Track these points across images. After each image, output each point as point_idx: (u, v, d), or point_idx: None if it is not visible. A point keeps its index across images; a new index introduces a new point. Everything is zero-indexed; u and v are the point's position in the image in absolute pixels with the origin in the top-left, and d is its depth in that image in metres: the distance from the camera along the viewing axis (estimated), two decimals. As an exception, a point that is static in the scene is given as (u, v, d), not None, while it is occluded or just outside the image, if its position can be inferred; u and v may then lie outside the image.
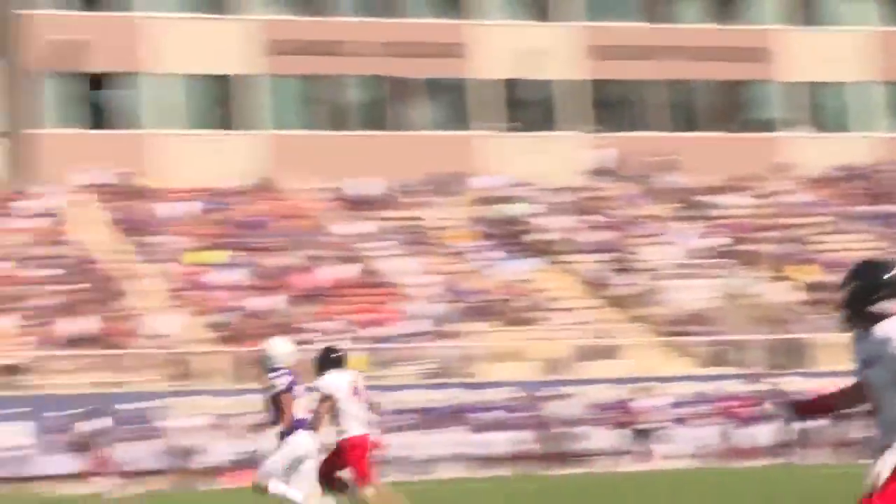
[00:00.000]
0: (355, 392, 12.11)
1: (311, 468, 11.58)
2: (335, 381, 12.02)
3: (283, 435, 11.41)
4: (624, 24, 44.58)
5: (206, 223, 39.32)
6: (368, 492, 12.02)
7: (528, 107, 44.86)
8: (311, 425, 11.61)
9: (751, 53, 44.82)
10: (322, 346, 13.80)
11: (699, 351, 36.48)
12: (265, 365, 11.73)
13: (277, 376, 11.42)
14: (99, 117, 42.25)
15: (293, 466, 11.39)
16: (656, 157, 43.42)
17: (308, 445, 11.45)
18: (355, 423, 12.00)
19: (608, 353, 35.20)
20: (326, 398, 11.90)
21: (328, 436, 12.28)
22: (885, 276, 4.73)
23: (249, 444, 28.74)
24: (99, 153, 39.65)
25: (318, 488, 11.88)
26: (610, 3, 45.67)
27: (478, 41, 43.62)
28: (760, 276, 39.23)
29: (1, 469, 30.29)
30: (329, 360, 12.27)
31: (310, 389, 11.86)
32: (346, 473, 12.11)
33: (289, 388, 11.29)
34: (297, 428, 11.34)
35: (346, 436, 11.93)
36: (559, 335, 35.98)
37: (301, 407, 11.41)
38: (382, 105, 43.81)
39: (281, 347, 11.73)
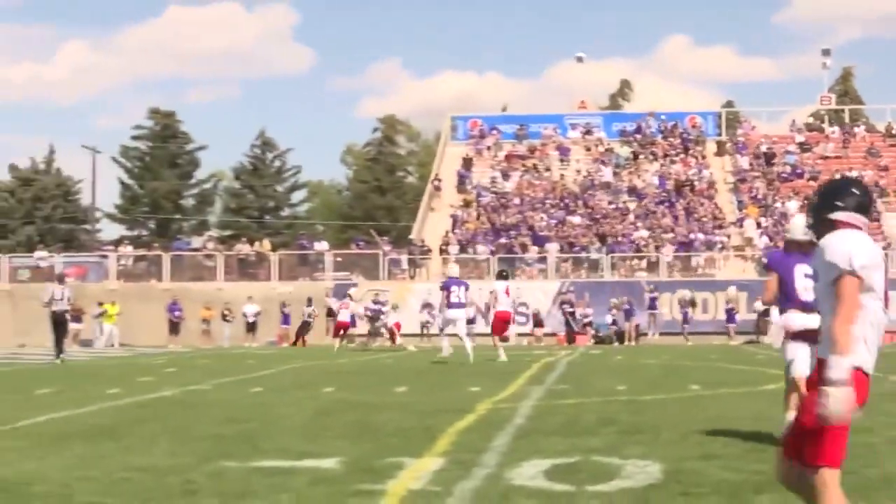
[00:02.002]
0: (507, 292, 19.38)
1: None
2: (498, 285, 19.47)
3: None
4: None
5: None
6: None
7: None
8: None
9: None
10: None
11: None
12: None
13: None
14: None
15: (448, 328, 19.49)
16: None
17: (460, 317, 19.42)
18: (502, 305, 19.27)
19: None
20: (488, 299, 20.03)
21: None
22: (851, 188, 4.49)
23: None
24: None
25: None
26: None
27: None
28: None
29: None
30: (500, 274, 20.65)
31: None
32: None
33: (445, 287, 19.26)
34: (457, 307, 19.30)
35: (497, 310, 19.52)
36: None
37: (456, 297, 19.21)
38: None
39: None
